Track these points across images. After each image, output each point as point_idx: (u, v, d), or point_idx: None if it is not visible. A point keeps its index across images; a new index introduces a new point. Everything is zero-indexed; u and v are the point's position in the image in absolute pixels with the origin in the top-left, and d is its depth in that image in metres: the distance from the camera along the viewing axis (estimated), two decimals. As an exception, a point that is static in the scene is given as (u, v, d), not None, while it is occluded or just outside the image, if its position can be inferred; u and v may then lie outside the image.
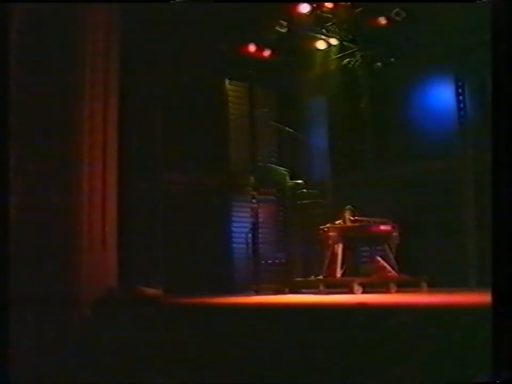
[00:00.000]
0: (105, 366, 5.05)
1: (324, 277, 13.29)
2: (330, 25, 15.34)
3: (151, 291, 11.65)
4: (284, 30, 15.17)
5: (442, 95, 14.64)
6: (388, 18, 14.23)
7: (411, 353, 4.35)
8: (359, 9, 14.21)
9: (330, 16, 14.80)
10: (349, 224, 13.46)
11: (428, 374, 3.91)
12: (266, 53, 16.03)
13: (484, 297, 9.04)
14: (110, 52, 11.63)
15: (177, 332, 6.09)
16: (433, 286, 12.67)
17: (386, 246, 13.29)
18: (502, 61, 4.35)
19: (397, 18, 14.04)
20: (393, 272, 13.05)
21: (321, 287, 12.93)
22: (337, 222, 13.51)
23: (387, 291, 12.68)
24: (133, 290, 11.12)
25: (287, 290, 13.75)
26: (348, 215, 13.54)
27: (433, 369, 3.95)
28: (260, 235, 16.35)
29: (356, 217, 13.49)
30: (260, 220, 16.45)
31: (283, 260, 16.55)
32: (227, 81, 16.41)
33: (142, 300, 10.68)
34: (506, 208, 4.15)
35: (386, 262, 13.21)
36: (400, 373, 4.03)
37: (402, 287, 13.10)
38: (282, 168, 16.94)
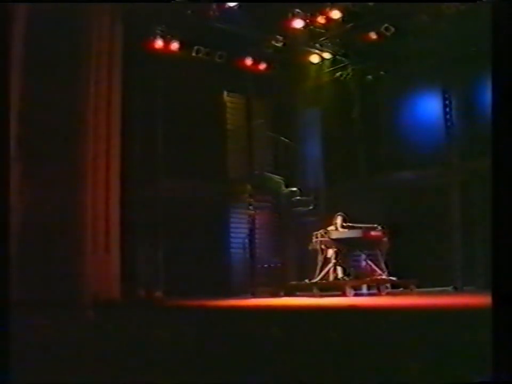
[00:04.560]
0: (106, 367, 4.96)
1: (318, 280, 13.25)
2: (323, 40, 15.36)
3: (151, 294, 11.60)
4: (279, 45, 15.19)
5: (430, 106, 14.65)
6: (378, 34, 14.22)
7: (407, 354, 4.28)
8: (351, 24, 14.20)
9: (323, 31, 14.79)
10: (340, 230, 13.40)
11: (427, 375, 3.84)
12: (263, 66, 16.04)
13: (472, 299, 9.00)
14: (112, 64, 11.59)
15: (177, 333, 6.02)
16: (422, 287, 12.66)
17: (377, 251, 13.26)
18: (503, 61, 4.27)
19: (386, 33, 14.04)
20: (383, 275, 13.00)
21: (315, 290, 12.88)
22: (329, 228, 13.45)
23: (378, 293, 12.73)
24: (134, 293, 11.05)
25: (282, 293, 13.69)
26: (339, 222, 13.48)
27: (432, 370, 3.88)
28: (256, 240, 16.31)
29: (348, 224, 13.43)
30: (257, 225, 16.40)
31: (278, 264, 16.49)
32: (225, 93, 16.37)
33: (143, 302, 10.62)
34: (506, 210, 4.06)
35: (376, 265, 13.17)
36: (398, 374, 3.96)
37: (392, 289, 13.13)
38: (277, 176, 16.93)
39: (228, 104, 16.47)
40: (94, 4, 11.24)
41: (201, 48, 14.77)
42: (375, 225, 13.16)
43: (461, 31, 13.21)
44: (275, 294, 13.71)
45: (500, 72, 4.37)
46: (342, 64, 15.97)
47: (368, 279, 13.24)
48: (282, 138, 16.81)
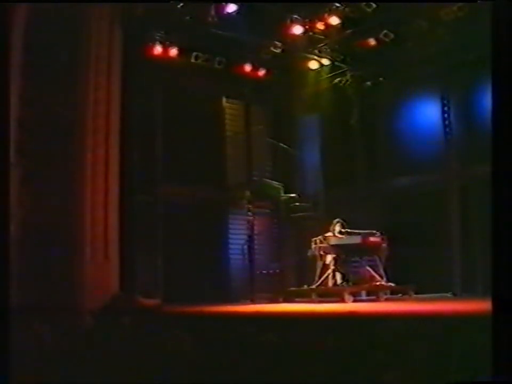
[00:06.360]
0: (105, 372, 4.99)
1: (317, 286, 13.27)
2: (322, 46, 15.36)
3: (149, 301, 11.58)
4: (278, 51, 15.20)
5: (429, 112, 14.66)
6: (377, 40, 14.24)
7: (407, 359, 4.30)
8: (350, 30, 14.22)
9: (322, 37, 14.81)
10: (339, 236, 13.41)
11: (426, 378, 3.87)
12: (262, 72, 16.02)
13: (471, 305, 9.00)
14: (111, 70, 11.62)
15: (176, 340, 6.04)
16: (420, 293, 12.68)
17: (376, 257, 13.27)
18: (502, 64, 4.29)
19: (385, 39, 14.06)
20: (382, 281, 13.01)
21: (314, 296, 12.90)
22: (327, 234, 13.46)
23: (377, 299, 12.73)
24: (132, 301, 11.04)
25: (281, 299, 13.70)
26: (337, 228, 13.49)
27: (432, 373, 3.91)
28: (255, 246, 16.30)
29: (346, 230, 13.44)
30: (255, 232, 16.39)
31: (277, 270, 16.48)
32: (224, 99, 16.39)
33: (141, 310, 10.61)
34: (506, 216, 4.08)
35: (375, 272, 13.18)
36: (397, 377, 3.98)
37: (391, 295, 13.15)
38: (276, 182, 16.93)
39: (227, 110, 16.46)
40: (94, 4, 11.27)
41: (200, 54, 14.78)
42: (374, 231, 13.18)
43: (459, 37, 13.25)
44: (274, 300, 13.72)
45: (500, 75, 4.39)
46: (341, 70, 15.97)
47: (367, 285, 13.24)
48: (281, 144, 16.83)
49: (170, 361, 5.37)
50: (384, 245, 13.16)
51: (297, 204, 16.79)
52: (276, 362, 5.17)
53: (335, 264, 13.24)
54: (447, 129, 14.16)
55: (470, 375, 3.88)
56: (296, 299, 13.77)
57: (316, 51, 15.67)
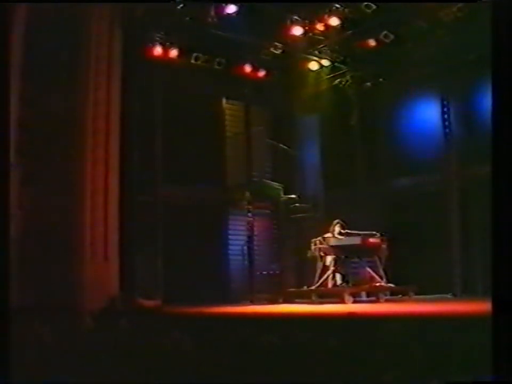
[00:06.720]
0: (105, 374, 4.99)
1: (316, 287, 13.27)
2: (322, 47, 15.37)
3: (149, 302, 11.59)
4: (278, 51, 15.22)
5: (429, 113, 14.65)
6: (376, 40, 14.24)
7: (406, 360, 4.30)
8: (350, 31, 14.23)
9: (322, 38, 14.81)
10: (338, 237, 13.40)
11: (426, 378, 3.87)
12: (261, 73, 16.03)
13: (470, 306, 9.01)
14: (111, 71, 11.64)
15: (176, 341, 6.03)
16: (420, 294, 12.67)
17: (376, 258, 13.26)
18: (502, 61, 4.30)
19: (385, 40, 14.06)
20: (382, 282, 13.01)
21: (314, 297, 12.89)
22: (326, 235, 13.45)
23: (377, 300, 12.73)
24: (132, 302, 11.05)
25: (281, 300, 13.69)
26: (337, 228, 13.48)
27: (431, 374, 3.90)
28: (255, 247, 16.30)
29: (346, 231, 13.43)
30: (255, 232, 16.39)
31: (277, 271, 16.49)
32: (224, 100, 16.39)
33: (141, 310, 10.62)
34: (506, 217, 4.09)
35: (375, 272, 13.17)
36: (397, 379, 3.98)
37: (391, 296, 13.15)
38: (276, 183, 16.93)
39: (227, 111, 16.46)
40: (94, 4, 11.28)
41: (200, 55, 14.79)
42: (374, 232, 13.17)
43: (459, 37, 13.26)
44: (274, 301, 13.71)
45: (500, 75, 4.39)
46: (341, 71, 15.98)
47: (366, 286, 13.24)
48: (281, 145, 16.83)
49: (170, 362, 5.37)
50: (384, 245, 13.14)
51: (297, 204, 16.79)
52: (275, 363, 5.17)
53: (335, 265, 13.24)
54: (447, 129, 14.15)
55: (470, 375, 3.89)
56: (296, 300, 13.76)
57: (316, 52, 15.69)
